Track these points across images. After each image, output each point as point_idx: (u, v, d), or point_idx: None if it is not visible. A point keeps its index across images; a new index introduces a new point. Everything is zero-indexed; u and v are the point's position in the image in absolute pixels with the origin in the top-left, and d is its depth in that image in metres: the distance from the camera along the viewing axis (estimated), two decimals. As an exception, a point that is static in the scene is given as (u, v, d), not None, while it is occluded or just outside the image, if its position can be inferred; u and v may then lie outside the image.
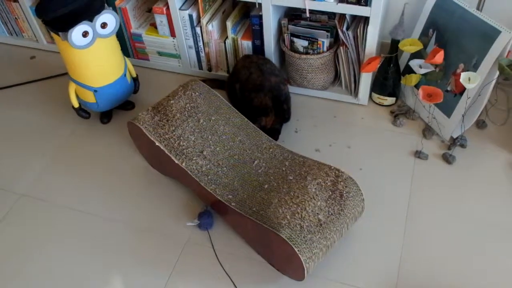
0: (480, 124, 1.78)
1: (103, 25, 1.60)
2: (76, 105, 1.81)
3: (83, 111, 1.84)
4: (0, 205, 1.65)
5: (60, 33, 1.55)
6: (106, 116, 1.90)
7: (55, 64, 2.19)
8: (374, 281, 1.39)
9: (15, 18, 2.19)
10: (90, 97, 1.77)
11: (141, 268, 1.45)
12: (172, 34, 1.94)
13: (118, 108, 1.92)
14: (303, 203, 1.34)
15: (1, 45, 2.33)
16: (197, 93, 1.66)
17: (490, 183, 1.60)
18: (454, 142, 1.71)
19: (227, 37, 1.88)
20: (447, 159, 1.67)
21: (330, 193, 1.37)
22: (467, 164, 1.66)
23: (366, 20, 1.67)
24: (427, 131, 1.76)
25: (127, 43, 2.05)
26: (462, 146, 1.70)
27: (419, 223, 1.51)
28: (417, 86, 1.78)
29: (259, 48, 1.85)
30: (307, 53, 1.78)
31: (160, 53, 2.04)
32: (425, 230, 1.49)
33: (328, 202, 1.36)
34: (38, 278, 1.45)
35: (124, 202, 1.63)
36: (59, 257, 1.50)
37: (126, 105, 1.94)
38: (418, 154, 1.69)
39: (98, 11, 1.57)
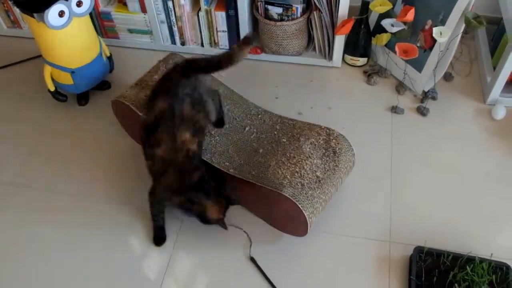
0: (447, 76, 1.89)
1: (79, 4, 1.57)
2: (52, 88, 1.77)
3: (59, 94, 1.80)
4: (-13, 196, 1.61)
5: (35, 15, 1.51)
6: (83, 98, 1.87)
7: (19, 49, 2.11)
8: (369, 229, 1.48)
9: (-30, 3, 2.08)
10: (67, 79, 1.74)
11: (144, 246, 1.48)
12: (143, 10, 1.92)
13: (94, 88, 1.89)
14: (300, 162, 1.40)
15: (-44, 34, 2.22)
16: (179, 67, 1.66)
17: (461, 130, 1.72)
18: (426, 95, 1.81)
19: (200, 9, 1.88)
20: (422, 111, 1.77)
21: (324, 151, 1.44)
22: (440, 114, 1.77)
23: (337, -17, 1.72)
24: (400, 87, 1.85)
25: (96, 22, 2.01)
26: (434, 98, 1.82)
27: (403, 172, 1.61)
28: (387, 45, 1.86)
29: (233, 18, 1.86)
30: (281, 19, 1.82)
31: (131, 30, 2.02)
32: (409, 177, 1.60)
33: (323, 159, 1.43)
34: (36, 267, 1.44)
35: (116, 182, 1.63)
36: (57, 244, 1.49)
37: (102, 85, 1.91)
38: (395, 109, 1.79)
39: (73, -11, 1.54)
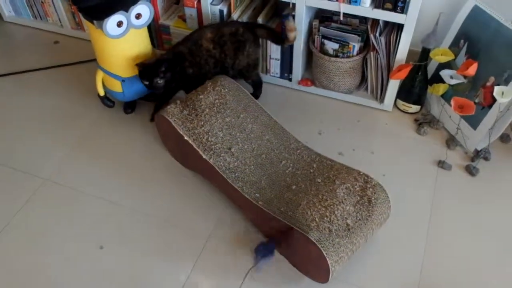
0: (504, 137, 1.78)
1: (138, 16, 1.60)
2: (102, 93, 1.81)
3: (108, 100, 1.84)
4: (24, 188, 1.65)
5: (94, 22, 1.55)
6: (130, 106, 1.90)
7: (79, 51, 2.19)
8: (395, 286, 1.39)
9: (41, 1, 2.18)
10: (117, 87, 1.77)
11: (164, 260, 1.46)
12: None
13: (141, 98, 1.91)
14: (331, 206, 1.34)
15: (24, 28, 2.32)
16: (226, 90, 1.66)
17: (512, 197, 1.61)
18: (478, 154, 1.71)
19: (256, 35, 1.88)
20: (471, 171, 1.67)
21: (359, 198, 1.38)
22: (491, 177, 1.67)
23: (399, 26, 1.67)
24: (451, 141, 1.76)
25: (153, 34, 2.05)
26: (486, 159, 1.71)
27: (440, 232, 1.52)
28: (443, 96, 1.78)
29: (288, 48, 1.84)
30: (336, 56, 1.78)
31: (186, 46, 2.04)
32: (446, 240, 1.50)
33: (357, 207, 1.36)
34: (58, 267, 1.45)
35: (147, 194, 1.63)
36: (82, 245, 1.50)
37: (149, 96, 1.93)
38: (441, 164, 1.70)
39: (134, 1, 1.56)
